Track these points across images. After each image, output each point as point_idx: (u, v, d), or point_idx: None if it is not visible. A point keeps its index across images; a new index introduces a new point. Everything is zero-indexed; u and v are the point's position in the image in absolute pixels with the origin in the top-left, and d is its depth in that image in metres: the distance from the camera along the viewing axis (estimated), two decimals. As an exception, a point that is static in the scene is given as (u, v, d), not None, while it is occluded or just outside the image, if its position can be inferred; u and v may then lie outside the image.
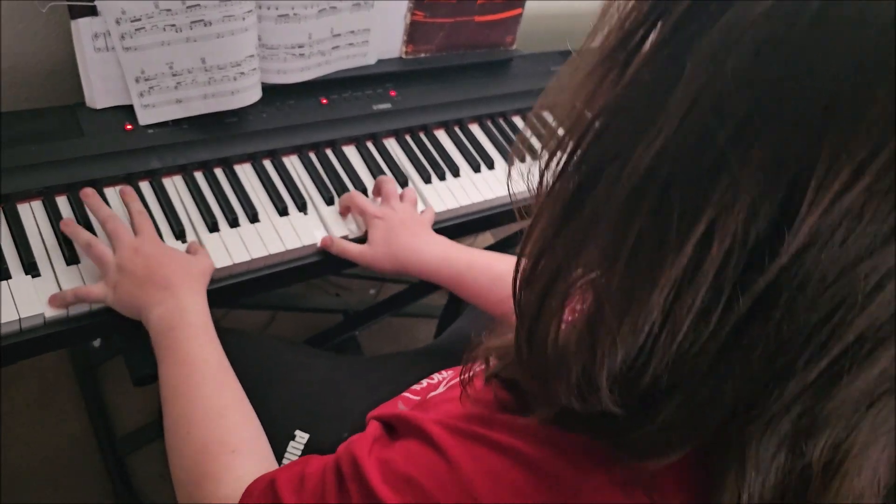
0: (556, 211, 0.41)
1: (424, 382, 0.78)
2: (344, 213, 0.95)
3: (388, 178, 1.00)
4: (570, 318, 0.43)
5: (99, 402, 1.35)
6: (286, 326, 1.60)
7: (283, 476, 0.54)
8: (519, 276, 0.44)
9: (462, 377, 0.50)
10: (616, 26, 0.39)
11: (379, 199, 0.97)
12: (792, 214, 0.33)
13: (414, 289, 1.40)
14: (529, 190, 0.43)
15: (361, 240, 0.93)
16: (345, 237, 0.92)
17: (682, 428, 0.40)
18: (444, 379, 0.76)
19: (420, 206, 1.00)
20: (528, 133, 0.46)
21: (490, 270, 0.86)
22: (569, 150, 0.40)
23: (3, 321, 0.72)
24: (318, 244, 0.91)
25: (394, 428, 0.55)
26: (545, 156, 0.41)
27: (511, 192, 0.46)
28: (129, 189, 0.85)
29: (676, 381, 0.38)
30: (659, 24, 0.37)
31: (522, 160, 0.45)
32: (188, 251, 0.84)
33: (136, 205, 0.83)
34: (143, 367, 0.84)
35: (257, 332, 1.02)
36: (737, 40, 0.33)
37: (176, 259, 0.79)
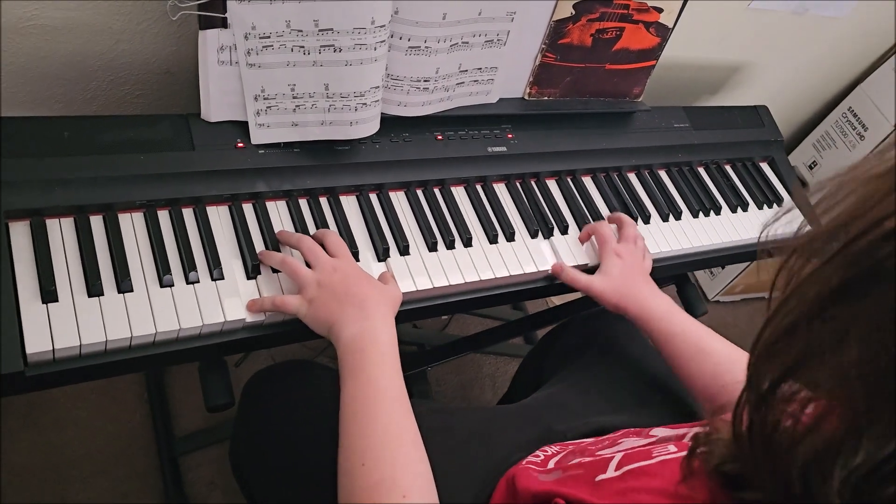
0: (821, 293, 0.39)
1: (541, 455, 0.73)
2: (584, 239, 1.01)
3: (630, 220, 1.03)
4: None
5: (162, 399, 1.34)
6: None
7: None
8: (759, 342, 0.42)
9: (685, 468, 0.49)
10: None
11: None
12: None
13: (494, 332, 1.34)
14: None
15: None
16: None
17: None
18: (552, 454, 0.74)
19: (516, 259, 0.95)
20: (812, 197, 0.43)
21: (698, 342, 0.88)
22: (849, 239, 0.38)
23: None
24: (549, 270, 0.96)
25: None
26: (822, 236, 0.40)
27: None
28: (325, 230, 0.84)
29: None
30: None
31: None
32: (380, 279, 0.83)
33: (333, 237, 0.83)
34: (219, 396, 0.82)
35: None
36: None
37: (372, 283, 0.79)
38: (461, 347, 1.33)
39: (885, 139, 1.58)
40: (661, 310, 0.91)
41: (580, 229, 1.03)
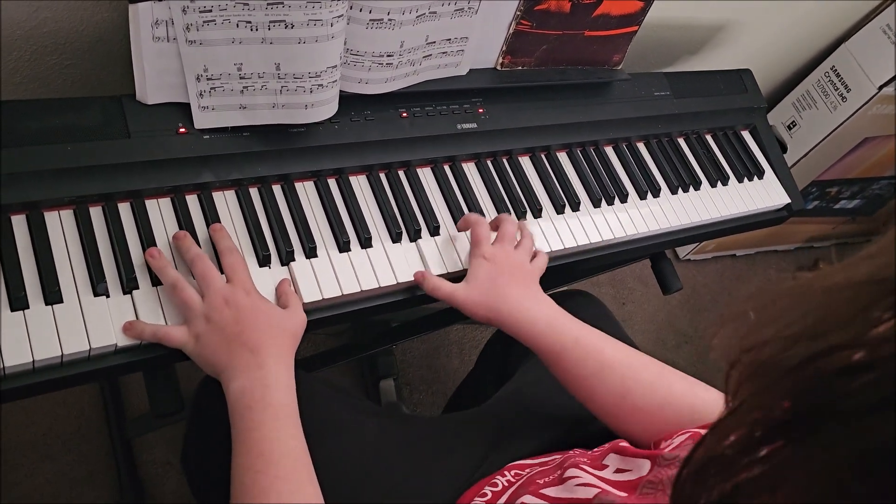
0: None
1: (489, 493, 0.69)
2: (462, 228, 0.87)
3: (510, 217, 0.88)
4: None
5: (112, 380, 1.27)
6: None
7: None
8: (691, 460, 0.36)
9: None
10: None
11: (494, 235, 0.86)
12: None
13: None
14: None
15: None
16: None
17: None
18: (502, 490, 0.69)
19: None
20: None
21: (599, 355, 0.75)
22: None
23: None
24: (409, 278, 0.82)
25: None
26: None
27: None
28: (218, 225, 0.75)
29: None
30: None
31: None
32: (279, 300, 0.74)
33: (227, 242, 0.73)
34: (167, 404, 0.75)
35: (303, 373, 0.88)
36: None
37: (269, 316, 0.70)
38: (429, 324, 1.27)
39: (867, 102, 1.53)
40: (545, 320, 0.77)
41: (556, 211, 0.97)
